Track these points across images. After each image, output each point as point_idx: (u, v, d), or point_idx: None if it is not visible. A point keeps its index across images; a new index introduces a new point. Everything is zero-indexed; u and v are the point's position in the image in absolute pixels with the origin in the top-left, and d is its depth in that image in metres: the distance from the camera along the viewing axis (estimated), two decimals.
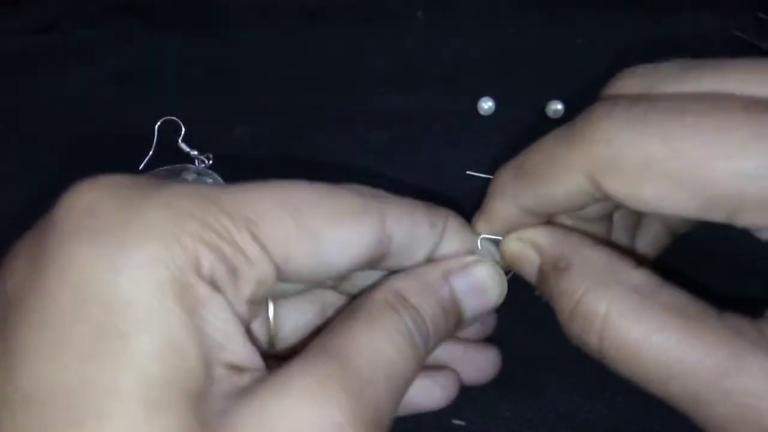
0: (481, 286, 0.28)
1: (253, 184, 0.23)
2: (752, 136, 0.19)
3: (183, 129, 0.41)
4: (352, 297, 0.30)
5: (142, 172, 0.40)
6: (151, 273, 0.20)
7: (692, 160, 0.20)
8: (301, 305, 0.30)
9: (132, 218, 0.20)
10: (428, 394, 0.30)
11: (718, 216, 0.21)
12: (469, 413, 0.32)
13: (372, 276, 0.28)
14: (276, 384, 0.21)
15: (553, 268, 0.25)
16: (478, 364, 0.31)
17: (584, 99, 0.43)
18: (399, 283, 0.26)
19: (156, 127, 0.41)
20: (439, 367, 0.31)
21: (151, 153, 0.41)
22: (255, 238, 0.22)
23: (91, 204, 0.21)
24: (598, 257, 0.25)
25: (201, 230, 0.21)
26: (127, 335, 0.19)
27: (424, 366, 0.30)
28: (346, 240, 0.24)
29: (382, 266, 0.27)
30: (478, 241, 0.28)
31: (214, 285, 0.21)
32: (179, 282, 0.20)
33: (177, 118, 0.41)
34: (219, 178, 0.40)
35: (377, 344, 0.23)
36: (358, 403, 0.21)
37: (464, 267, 0.27)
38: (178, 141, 0.41)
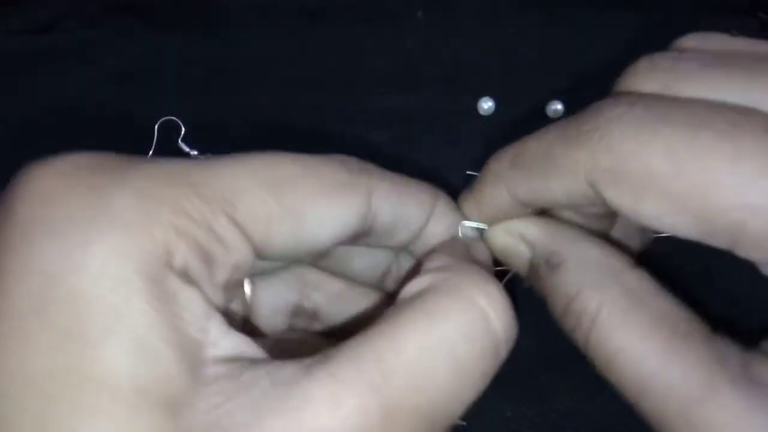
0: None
1: (231, 158, 0.21)
2: (766, 168, 0.18)
3: (183, 129, 0.41)
4: (387, 296, 0.28)
5: None
6: (117, 270, 0.18)
7: (697, 183, 0.19)
8: (280, 284, 0.28)
9: (96, 208, 0.18)
10: None
11: (719, 243, 0.20)
12: (469, 413, 0.32)
13: (353, 252, 0.28)
14: (287, 411, 0.18)
15: (545, 263, 0.24)
16: None
17: (584, 99, 0.43)
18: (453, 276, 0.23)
19: (156, 127, 0.41)
20: None
21: (151, 153, 0.41)
22: (232, 221, 0.20)
23: (51, 190, 0.19)
24: (593, 254, 0.24)
25: (173, 217, 0.19)
26: (94, 343, 0.17)
27: None
28: (329, 216, 0.23)
29: (364, 243, 0.26)
30: (459, 227, 0.28)
31: (186, 277, 0.19)
32: (149, 277, 0.18)
33: (177, 118, 0.41)
34: None
35: (425, 361, 0.20)
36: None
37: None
38: (178, 141, 0.41)
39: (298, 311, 0.29)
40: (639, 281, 0.23)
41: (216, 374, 0.19)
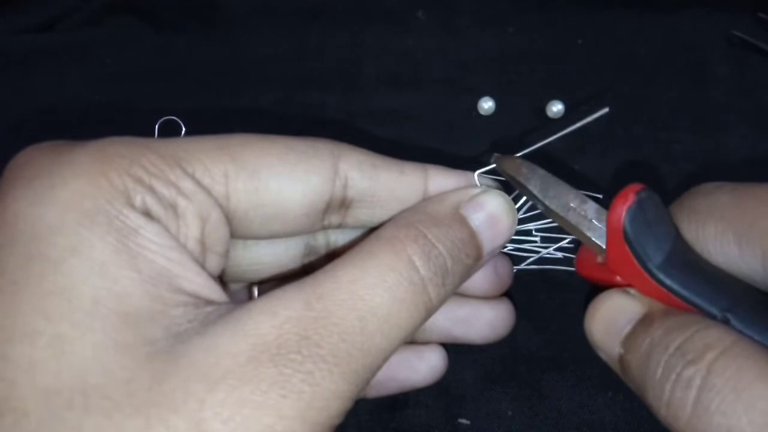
0: (496, 216, 0.26)
1: (190, 137, 0.24)
2: None
3: (183, 128, 0.41)
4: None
5: None
6: (77, 204, 0.21)
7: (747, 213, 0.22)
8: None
9: (60, 163, 0.22)
10: (415, 369, 0.30)
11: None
12: (472, 412, 0.32)
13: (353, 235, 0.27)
14: (233, 321, 0.21)
15: (661, 313, 0.24)
16: (492, 321, 0.30)
17: (584, 99, 0.43)
18: (412, 217, 0.25)
19: (156, 126, 0.41)
20: (424, 343, 0.30)
21: None
22: (187, 173, 0.22)
23: (28, 159, 0.22)
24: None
25: (129, 167, 0.21)
26: (55, 260, 0.20)
27: (412, 341, 0.30)
28: (291, 177, 0.24)
29: (355, 218, 0.26)
30: (475, 176, 0.28)
31: (149, 216, 0.21)
32: (107, 212, 0.21)
33: (177, 117, 0.41)
34: None
35: (361, 288, 0.22)
36: (313, 360, 0.20)
37: (474, 198, 0.26)
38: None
39: None
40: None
41: (184, 301, 0.21)
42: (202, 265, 0.23)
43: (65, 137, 0.42)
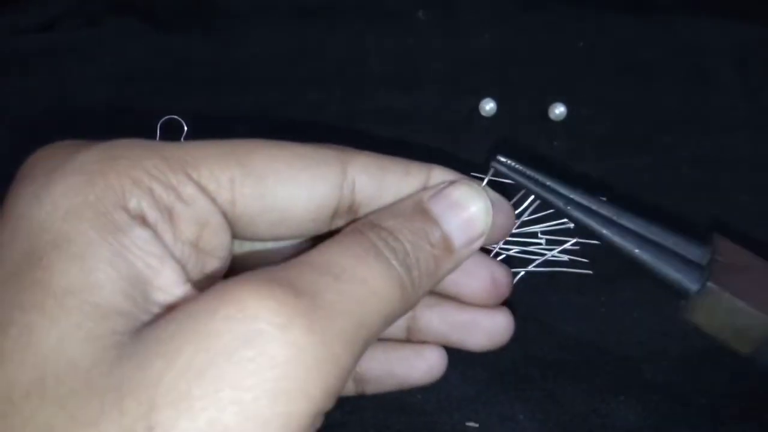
0: (460, 203, 0.26)
1: (199, 141, 0.24)
2: None
3: (185, 128, 0.41)
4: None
5: None
6: (69, 203, 0.21)
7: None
8: None
9: (64, 162, 0.22)
10: (413, 367, 0.30)
11: None
12: (482, 415, 0.32)
13: None
14: (199, 300, 0.20)
15: None
16: (488, 329, 0.30)
17: (586, 101, 0.43)
18: (372, 214, 0.25)
19: (158, 125, 0.41)
20: (424, 342, 0.30)
21: None
22: (191, 178, 0.22)
23: (38, 158, 0.23)
24: None
25: (131, 170, 0.22)
26: (38, 255, 0.20)
27: (409, 340, 0.30)
28: (299, 183, 0.24)
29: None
30: (483, 184, 0.28)
31: (141, 220, 0.21)
32: (96, 210, 0.21)
33: (178, 117, 0.41)
34: None
35: (336, 258, 0.22)
36: (310, 317, 0.20)
37: (439, 191, 0.26)
38: (180, 140, 0.41)
39: None
40: None
41: (155, 312, 0.21)
42: (187, 276, 0.22)
43: (65, 137, 0.42)
